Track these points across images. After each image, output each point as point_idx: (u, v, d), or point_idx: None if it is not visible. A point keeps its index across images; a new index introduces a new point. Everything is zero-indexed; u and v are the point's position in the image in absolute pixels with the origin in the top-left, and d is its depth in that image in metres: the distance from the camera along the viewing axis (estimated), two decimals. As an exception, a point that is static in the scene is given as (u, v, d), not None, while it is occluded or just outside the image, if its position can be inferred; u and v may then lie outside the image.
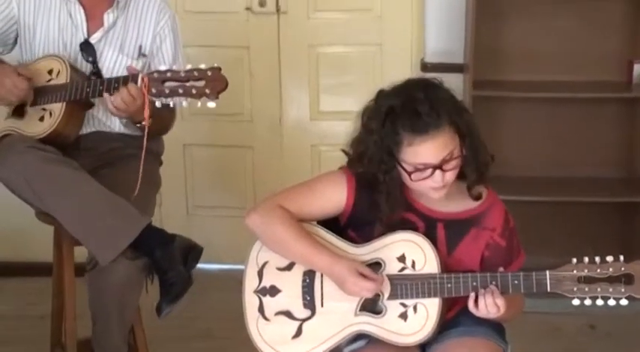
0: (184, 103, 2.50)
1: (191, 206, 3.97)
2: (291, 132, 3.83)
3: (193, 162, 3.92)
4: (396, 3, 3.67)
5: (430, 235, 2.15)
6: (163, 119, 2.74)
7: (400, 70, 3.69)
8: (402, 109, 2.06)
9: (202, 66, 2.45)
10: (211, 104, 2.45)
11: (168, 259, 2.54)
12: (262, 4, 3.70)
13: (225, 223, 3.86)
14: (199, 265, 2.66)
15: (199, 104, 2.46)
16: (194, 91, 2.44)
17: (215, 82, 2.43)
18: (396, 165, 2.10)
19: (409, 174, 2.07)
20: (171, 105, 2.56)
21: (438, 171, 2.06)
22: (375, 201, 2.14)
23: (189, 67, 2.48)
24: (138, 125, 2.62)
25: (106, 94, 2.55)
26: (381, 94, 2.14)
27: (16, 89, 2.64)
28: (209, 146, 3.90)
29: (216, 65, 2.45)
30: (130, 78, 2.52)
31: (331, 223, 2.23)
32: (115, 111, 2.56)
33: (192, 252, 2.61)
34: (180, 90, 2.45)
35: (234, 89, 3.68)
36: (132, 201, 2.56)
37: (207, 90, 2.43)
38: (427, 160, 2.06)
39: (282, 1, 3.70)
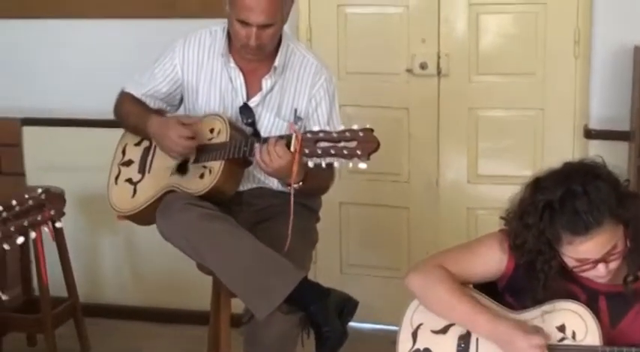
0: (336, 164, 2.52)
1: (345, 264, 3.99)
2: (448, 194, 3.81)
3: (349, 220, 3.95)
4: (560, 67, 3.62)
5: (592, 307, 2.08)
6: (320, 179, 2.76)
7: (562, 136, 3.62)
8: (561, 206, 2.02)
9: (355, 126, 2.44)
10: (362, 165, 2.43)
11: (323, 313, 2.55)
12: (424, 66, 3.72)
13: (379, 283, 3.86)
14: (352, 323, 2.67)
15: (350, 165, 2.47)
16: (346, 152, 2.43)
17: (367, 143, 2.42)
18: (556, 256, 2.06)
19: (571, 266, 2.04)
20: (323, 165, 2.60)
21: (601, 264, 2.01)
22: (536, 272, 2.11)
23: (341, 127, 2.49)
24: (288, 187, 2.63)
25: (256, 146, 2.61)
26: (538, 185, 2.10)
27: (181, 139, 2.72)
28: (365, 205, 3.93)
29: (368, 126, 2.45)
30: (285, 137, 2.56)
31: (487, 288, 2.20)
32: (261, 165, 2.59)
33: (347, 305, 2.61)
34: (333, 151, 2.45)
35: (392, 149, 3.79)
36: (288, 256, 2.59)
37: (359, 152, 2.42)
38: (589, 256, 2.01)
39: (443, 64, 3.71)
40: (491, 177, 3.73)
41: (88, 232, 4.09)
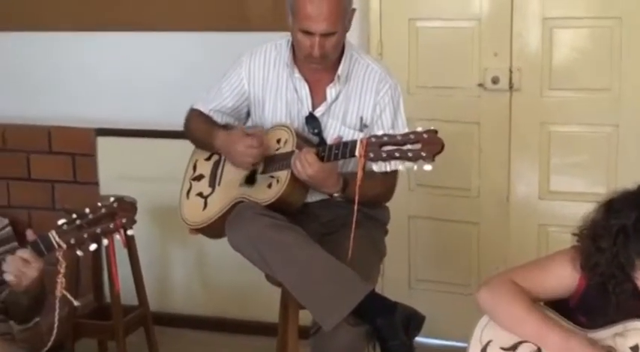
0: (400, 167, 2.52)
1: (413, 279, 3.97)
2: (519, 210, 3.76)
3: (418, 234, 3.93)
4: (636, 83, 3.55)
5: (666, 326, 2.04)
6: (375, 186, 2.77)
7: (637, 153, 3.55)
8: (634, 231, 1.99)
9: (419, 129, 2.44)
10: (427, 167, 2.42)
11: (390, 327, 2.54)
12: (495, 81, 3.70)
13: (447, 298, 3.83)
14: (419, 338, 2.65)
15: (415, 167, 2.47)
16: (410, 154, 2.43)
17: (431, 145, 2.41)
18: (629, 279, 2.03)
19: None
20: (389, 169, 2.58)
21: None
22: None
23: (405, 130, 2.50)
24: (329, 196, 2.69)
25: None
26: (612, 208, 2.07)
27: (249, 150, 2.76)
28: (434, 219, 3.90)
29: (432, 127, 2.44)
30: (350, 144, 2.57)
31: (558, 305, 2.17)
32: (295, 173, 2.64)
33: (414, 320, 2.60)
34: (397, 154, 2.45)
35: (462, 164, 3.76)
36: (355, 268, 2.59)
37: (424, 153, 2.41)
38: None
39: (515, 79, 3.68)
40: (563, 194, 3.68)
41: (159, 242, 4.15)
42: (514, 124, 3.72)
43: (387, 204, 3.01)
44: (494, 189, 3.79)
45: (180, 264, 4.13)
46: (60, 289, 2.35)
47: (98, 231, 2.34)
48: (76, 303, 2.43)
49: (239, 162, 2.82)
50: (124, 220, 2.35)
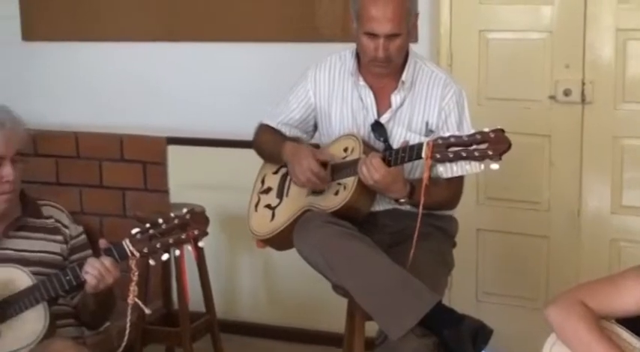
0: (467, 168, 2.52)
1: (480, 292, 3.93)
2: (590, 224, 3.70)
3: (486, 247, 3.89)
4: None
5: None
6: (441, 192, 2.76)
7: None
8: None
9: (485, 129, 2.44)
10: (494, 166, 2.43)
11: (457, 339, 2.52)
12: (567, 93, 3.64)
13: (516, 313, 3.78)
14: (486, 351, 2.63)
15: (482, 166, 2.46)
16: (477, 154, 2.43)
17: (498, 144, 2.42)
18: None
19: None
20: (457, 173, 2.55)
21: None
22: None
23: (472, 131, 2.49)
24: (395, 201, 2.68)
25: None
26: None
27: (309, 171, 2.77)
28: (503, 232, 3.85)
29: (498, 126, 2.44)
30: (416, 147, 2.58)
31: (633, 322, 2.12)
32: (361, 178, 2.64)
33: (481, 332, 2.57)
34: (464, 154, 2.46)
35: (532, 177, 3.72)
36: (422, 279, 2.59)
37: (490, 152, 2.41)
38: None
39: (587, 91, 3.62)
40: (636, 209, 3.61)
41: (227, 250, 4.18)
42: (586, 137, 3.66)
43: (456, 217, 3.00)
44: (565, 202, 3.73)
45: (248, 272, 4.16)
46: (132, 297, 2.39)
47: (170, 241, 2.38)
48: (147, 311, 2.47)
49: (296, 177, 2.84)
50: (196, 232, 2.39)
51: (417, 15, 2.82)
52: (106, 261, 2.38)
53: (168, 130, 4.18)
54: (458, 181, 2.84)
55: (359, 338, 2.79)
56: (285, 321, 4.12)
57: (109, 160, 4.28)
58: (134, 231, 2.41)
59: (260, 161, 3.13)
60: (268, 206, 3.00)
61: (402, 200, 2.70)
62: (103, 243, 2.44)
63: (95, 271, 2.37)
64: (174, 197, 4.16)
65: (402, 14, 2.72)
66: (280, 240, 2.94)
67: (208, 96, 4.12)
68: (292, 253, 2.85)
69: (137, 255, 2.38)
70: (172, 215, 2.41)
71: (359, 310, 2.71)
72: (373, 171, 2.61)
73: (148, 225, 2.40)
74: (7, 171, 2.45)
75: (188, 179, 4.17)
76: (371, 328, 2.72)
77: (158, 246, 2.38)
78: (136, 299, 2.41)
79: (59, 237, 2.60)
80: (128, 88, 4.26)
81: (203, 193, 3.97)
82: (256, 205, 3.04)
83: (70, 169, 4.35)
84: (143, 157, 4.22)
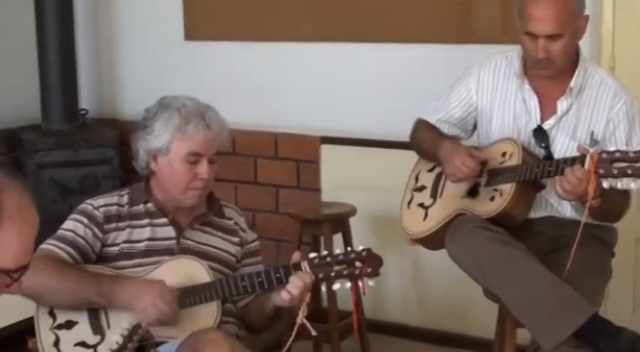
0: (632, 185, 2.42)
1: (638, 304, 3.78)
2: None
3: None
4: None
5: None
6: (614, 204, 2.67)
7: None
8: None
9: None
10: None
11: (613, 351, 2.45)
12: None
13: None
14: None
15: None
16: None
17: None
18: None
19: None
20: (619, 187, 2.47)
21: None
22: None
23: None
24: (583, 203, 2.55)
25: (556, 178, 2.55)
26: None
27: (463, 167, 2.74)
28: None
29: None
30: (579, 158, 2.50)
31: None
32: (562, 194, 2.54)
33: (639, 345, 2.49)
34: (629, 171, 2.37)
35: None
36: (578, 289, 2.52)
37: None
38: None
39: None
40: None
41: (375, 249, 4.11)
42: None
43: (615, 225, 2.90)
44: None
45: (397, 273, 4.15)
46: (302, 316, 2.46)
47: (345, 273, 2.46)
48: (314, 333, 2.52)
49: (451, 174, 2.82)
50: (369, 270, 2.47)
51: (586, 17, 2.73)
52: (307, 277, 2.43)
53: (323, 130, 4.22)
54: (627, 194, 2.73)
55: (510, 345, 2.74)
56: (433, 323, 4.09)
57: (263, 157, 4.37)
58: (312, 255, 2.50)
59: (412, 162, 3.12)
60: (421, 205, 2.99)
61: (593, 201, 2.53)
62: (297, 255, 2.51)
63: (297, 290, 2.42)
64: (326, 196, 4.21)
65: (565, 14, 2.64)
66: (432, 241, 2.93)
67: (362, 96, 4.14)
68: (441, 254, 2.83)
69: (313, 277, 2.45)
70: (349, 249, 2.51)
71: (510, 316, 2.67)
72: (578, 184, 2.46)
73: (325, 252, 2.51)
74: (203, 169, 2.53)
75: (340, 178, 4.20)
76: (522, 335, 2.67)
77: (332, 274, 2.46)
78: (305, 320, 2.46)
79: (236, 239, 2.67)
80: (284, 87, 4.33)
81: (354, 193, 3.99)
82: (409, 203, 3.04)
83: (227, 165, 4.45)
84: (297, 155, 4.28)
